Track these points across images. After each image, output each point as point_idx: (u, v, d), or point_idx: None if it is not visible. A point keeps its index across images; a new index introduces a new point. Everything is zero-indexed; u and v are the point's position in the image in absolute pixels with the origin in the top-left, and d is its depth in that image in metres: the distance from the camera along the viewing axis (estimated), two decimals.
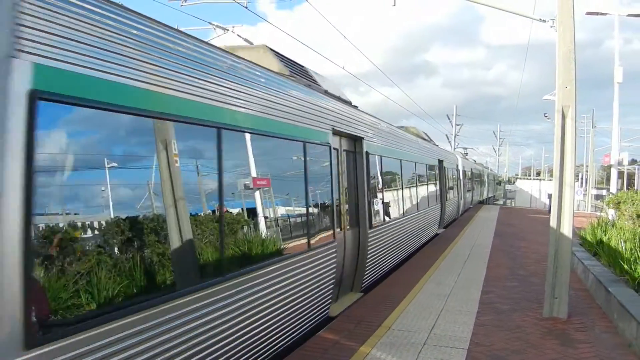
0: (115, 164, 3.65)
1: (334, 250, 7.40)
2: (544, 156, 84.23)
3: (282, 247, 6.01)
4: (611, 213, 15.11)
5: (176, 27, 5.11)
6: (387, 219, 10.80)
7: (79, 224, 3.36)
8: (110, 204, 3.60)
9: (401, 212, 12.31)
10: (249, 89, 5.27)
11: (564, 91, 7.64)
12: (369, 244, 9.06)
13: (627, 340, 6.37)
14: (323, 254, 6.98)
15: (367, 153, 9.19)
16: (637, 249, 8.92)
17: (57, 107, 3.05)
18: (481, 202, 41.79)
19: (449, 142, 51.17)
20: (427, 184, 16.37)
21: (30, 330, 2.73)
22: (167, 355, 3.76)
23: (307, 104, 6.84)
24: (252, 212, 5.56)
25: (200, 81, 4.43)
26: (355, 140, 8.98)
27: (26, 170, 2.76)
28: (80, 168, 3.44)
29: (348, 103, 9.51)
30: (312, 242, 6.70)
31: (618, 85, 25.01)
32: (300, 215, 6.66)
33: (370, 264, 9.28)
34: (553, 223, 7.66)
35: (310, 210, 6.83)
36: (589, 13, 23.40)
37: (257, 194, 5.60)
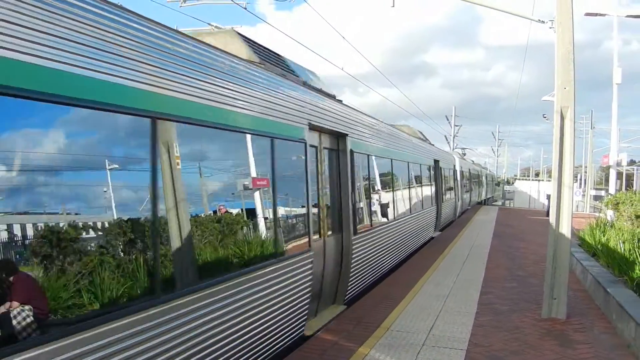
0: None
1: (310, 260, 6.51)
2: (542, 157, 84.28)
3: (238, 260, 5.11)
4: (610, 214, 15.12)
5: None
6: (375, 223, 9.95)
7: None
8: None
9: (391, 215, 11.38)
10: (197, 72, 4.43)
11: (562, 92, 7.64)
12: (353, 251, 8.20)
13: (625, 341, 6.37)
14: (295, 266, 6.11)
15: (351, 151, 8.40)
16: (636, 250, 8.93)
17: None
18: (480, 203, 41.77)
19: (448, 142, 51.30)
20: (421, 185, 15.60)
21: None
22: None
23: (277, 94, 5.99)
24: (199, 220, 4.66)
25: (125, 59, 3.56)
26: (339, 138, 8.19)
27: None
28: None
29: (331, 97, 8.70)
30: (280, 252, 5.82)
31: (617, 86, 25.08)
32: (265, 222, 5.77)
33: (355, 274, 8.45)
34: (552, 224, 7.66)
35: (279, 216, 5.98)
36: (587, 14, 23.48)
37: (207, 197, 4.84)
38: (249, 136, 5.38)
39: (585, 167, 46.36)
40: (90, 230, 3.50)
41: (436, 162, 18.78)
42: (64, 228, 3.28)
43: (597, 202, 34.30)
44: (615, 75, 24.66)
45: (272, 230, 5.79)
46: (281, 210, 6.13)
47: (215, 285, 4.47)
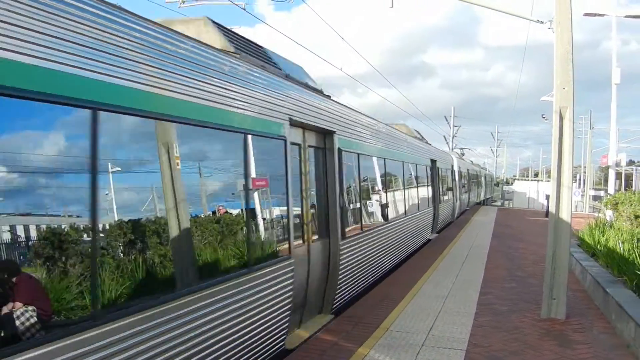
0: None
1: (290, 269, 5.99)
2: (541, 157, 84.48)
3: (204, 270, 4.57)
4: (609, 214, 15.13)
5: None
6: (365, 226, 9.37)
7: None
8: None
9: (384, 218, 10.74)
10: (151, 57, 3.92)
11: (561, 92, 7.66)
12: (341, 257, 7.66)
13: (625, 341, 6.38)
14: (271, 276, 5.54)
15: (340, 150, 7.87)
16: (635, 250, 8.94)
17: None
18: (479, 204, 41.76)
19: (447, 143, 51.34)
20: (417, 186, 15.07)
21: None
22: None
23: (252, 86, 5.45)
24: (160, 225, 4.11)
25: (54, 39, 3.08)
26: (326, 135, 7.67)
27: None
28: None
29: (318, 92, 8.13)
30: (254, 260, 5.28)
31: (616, 86, 25.11)
32: (237, 228, 5.21)
33: (343, 282, 7.94)
34: (551, 224, 7.67)
35: (253, 220, 5.50)
36: (586, 14, 23.54)
37: (171, 199, 4.20)
38: (216, 132, 4.82)
39: (584, 167, 46.38)
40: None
41: (433, 162, 18.36)
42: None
43: (596, 202, 34.37)
44: (614, 76, 24.70)
45: (241, 236, 5.22)
46: (255, 214, 5.60)
47: (166, 303, 3.88)
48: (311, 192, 7.16)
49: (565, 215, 7.60)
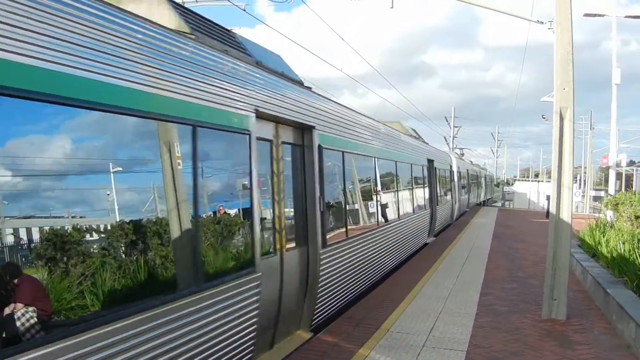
0: None
1: (254, 284, 5.16)
2: (542, 158, 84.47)
3: (137, 293, 3.77)
4: (609, 214, 15.12)
5: None
6: (351, 232, 8.47)
7: None
8: None
9: (373, 221, 9.98)
10: (64, 30, 3.17)
11: (561, 93, 7.66)
12: (321, 268, 6.88)
13: (625, 342, 6.37)
14: (230, 293, 4.74)
15: (320, 147, 7.08)
16: (636, 251, 8.93)
17: None
18: (479, 205, 41.68)
19: (447, 143, 51.38)
20: (412, 187, 14.30)
21: None
22: None
23: (206, 70, 4.66)
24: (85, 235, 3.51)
25: None
26: (304, 131, 6.90)
27: None
28: None
29: (297, 83, 7.29)
30: (204, 277, 4.46)
31: (616, 86, 25.13)
32: (177, 240, 4.26)
33: (324, 295, 7.12)
34: (551, 224, 7.67)
35: (206, 229, 4.71)
36: (586, 14, 23.57)
37: (90, 200, 3.69)
38: (152, 122, 4.04)
39: (585, 167, 46.42)
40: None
41: (430, 161, 17.67)
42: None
43: (597, 202, 34.35)
44: (615, 76, 24.74)
45: (187, 250, 4.35)
46: (206, 222, 4.80)
47: (95, 328, 3.24)
48: (286, 195, 6.35)
49: (565, 215, 7.60)
